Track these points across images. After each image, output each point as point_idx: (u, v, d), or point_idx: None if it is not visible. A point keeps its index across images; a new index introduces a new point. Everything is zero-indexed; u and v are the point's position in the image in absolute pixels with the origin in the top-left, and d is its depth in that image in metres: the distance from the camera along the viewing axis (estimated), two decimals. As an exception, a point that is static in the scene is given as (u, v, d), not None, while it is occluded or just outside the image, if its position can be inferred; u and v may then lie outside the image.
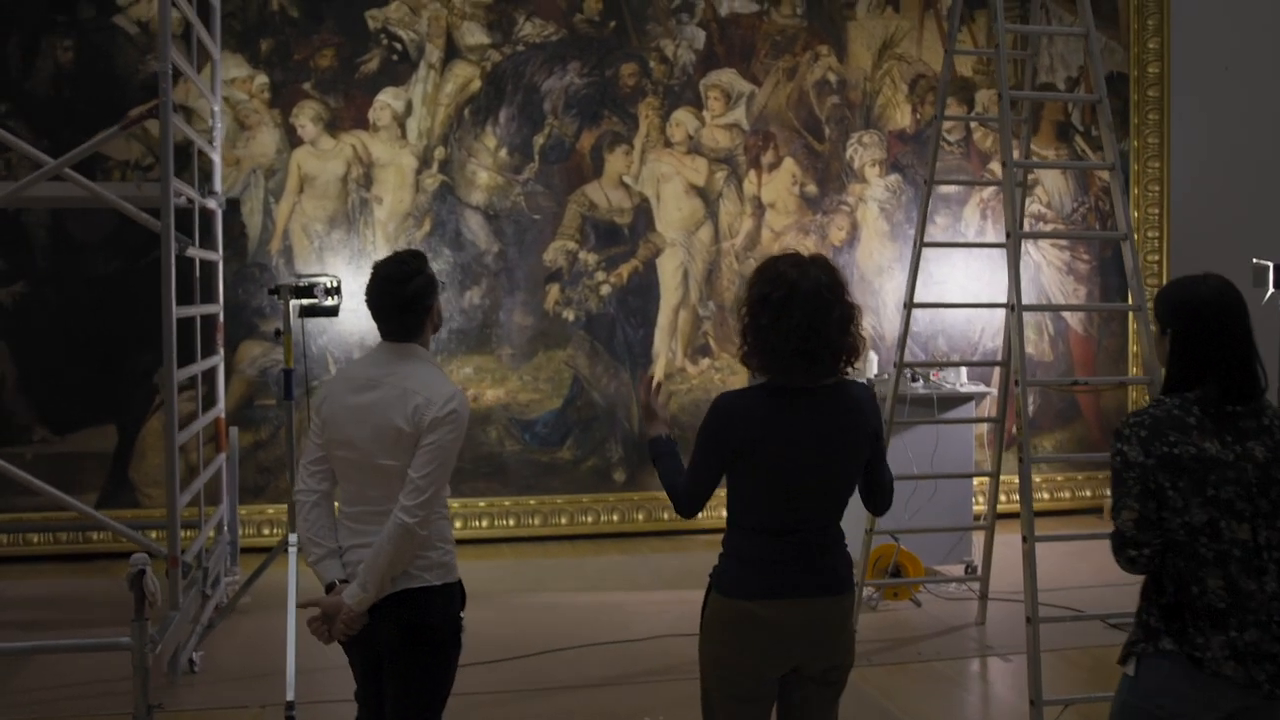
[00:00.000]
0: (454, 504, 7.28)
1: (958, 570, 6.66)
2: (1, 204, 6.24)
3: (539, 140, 7.81)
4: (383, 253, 3.98)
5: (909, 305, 5.68)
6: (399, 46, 7.67)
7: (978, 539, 6.45)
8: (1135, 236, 8.46)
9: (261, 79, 7.48)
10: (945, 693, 5.17)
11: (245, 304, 7.39)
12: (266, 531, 7.35)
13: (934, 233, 8.04)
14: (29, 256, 7.24)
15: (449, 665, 3.23)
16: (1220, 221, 8.05)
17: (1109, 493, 2.75)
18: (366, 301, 3.25)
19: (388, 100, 7.63)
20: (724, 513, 3.00)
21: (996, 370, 6.81)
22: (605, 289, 7.89)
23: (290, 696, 4.68)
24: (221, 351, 6.48)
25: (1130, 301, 4.98)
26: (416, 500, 3.07)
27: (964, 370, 7.09)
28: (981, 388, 7.09)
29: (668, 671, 5.24)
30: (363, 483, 3.19)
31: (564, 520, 7.82)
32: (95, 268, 7.26)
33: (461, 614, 3.26)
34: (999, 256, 7.18)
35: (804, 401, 2.89)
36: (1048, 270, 8.59)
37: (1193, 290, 2.70)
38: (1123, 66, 8.67)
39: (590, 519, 7.86)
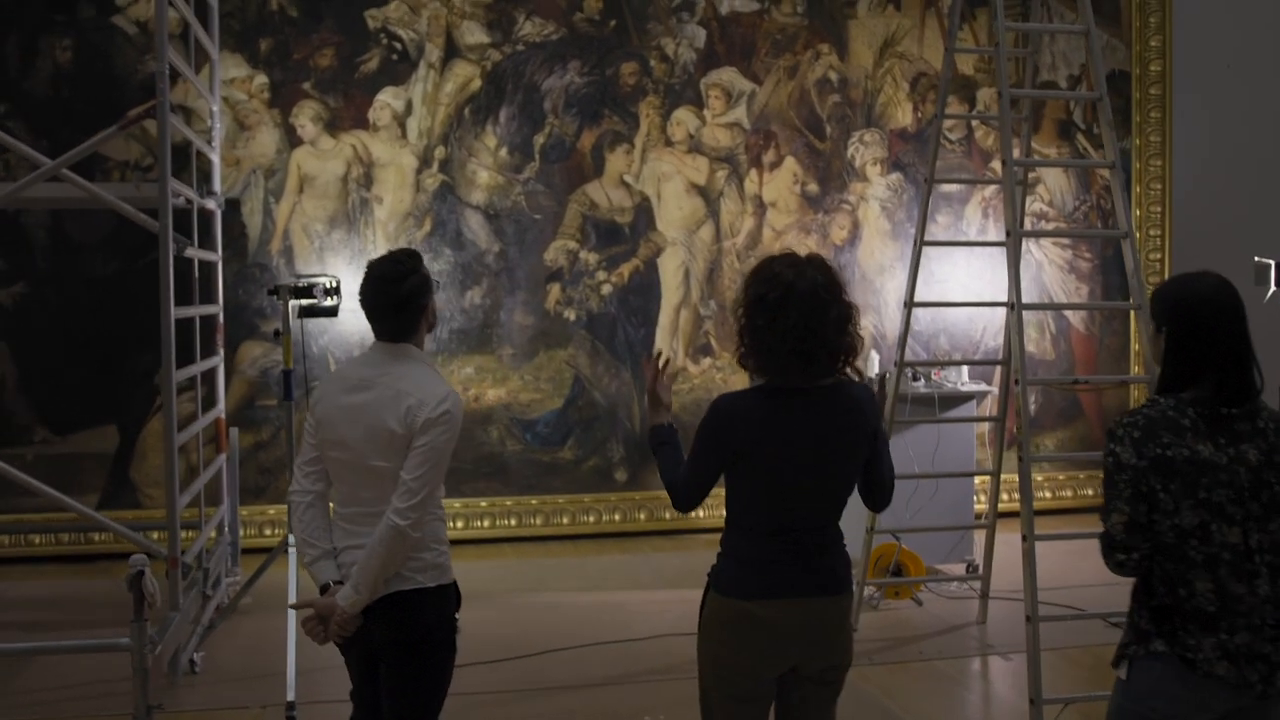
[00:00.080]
0: (456, 504, 7.30)
1: (959, 569, 6.66)
2: (0, 205, 6.24)
3: (539, 139, 7.80)
4: (383, 252, 3.95)
5: (910, 304, 5.68)
6: (399, 46, 7.66)
7: (979, 538, 6.44)
8: (1137, 235, 8.45)
9: (261, 79, 7.48)
10: (946, 691, 5.16)
11: (246, 304, 7.39)
12: (267, 532, 7.35)
13: (935, 231, 8.03)
14: (28, 257, 7.24)
15: (444, 667, 3.21)
16: (1222, 219, 8.03)
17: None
18: (361, 301, 3.23)
19: (388, 100, 7.63)
20: (725, 512, 2.99)
21: (998, 369, 6.80)
22: (606, 288, 7.88)
23: (291, 697, 4.69)
24: (222, 352, 6.47)
25: (1131, 300, 4.97)
26: (409, 502, 3.05)
27: (965, 369, 7.09)
28: (983, 386, 7.08)
29: (669, 671, 5.23)
30: (356, 484, 3.18)
31: (565, 520, 7.81)
32: (95, 268, 7.26)
33: (457, 615, 3.24)
34: (1000, 255, 7.15)
35: (801, 402, 2.88)
36: (1050, 269, 8.57)
37: (1189, 288, 2.66)
38: (1125, 64, 8.65)
39: (592, 518, 7.85)
